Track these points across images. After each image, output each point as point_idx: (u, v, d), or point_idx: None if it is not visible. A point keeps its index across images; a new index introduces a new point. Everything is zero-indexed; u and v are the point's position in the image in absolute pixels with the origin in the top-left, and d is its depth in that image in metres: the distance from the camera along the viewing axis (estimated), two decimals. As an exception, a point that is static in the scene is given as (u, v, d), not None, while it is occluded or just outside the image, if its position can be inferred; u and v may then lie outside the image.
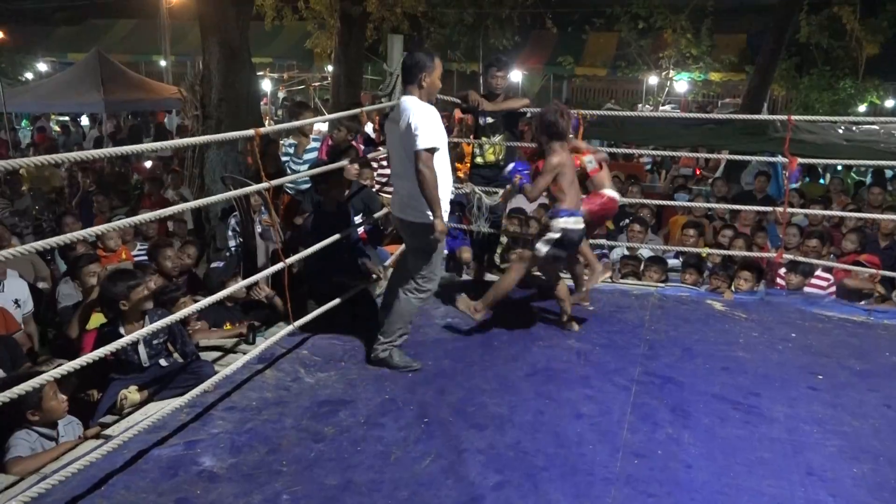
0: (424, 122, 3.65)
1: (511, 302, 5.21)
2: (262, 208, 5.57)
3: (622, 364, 4.11)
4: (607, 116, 7.98)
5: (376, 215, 5.28)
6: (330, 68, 16.56)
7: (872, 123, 10.47)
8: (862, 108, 19.48)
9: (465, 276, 5.83)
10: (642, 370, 4.03)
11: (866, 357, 4.30)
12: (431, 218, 3.74)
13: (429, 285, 3.98)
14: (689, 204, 7.72)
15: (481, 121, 5.59)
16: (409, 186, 3.77)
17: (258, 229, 5.46)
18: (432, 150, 3.66)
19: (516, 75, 21.07)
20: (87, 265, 4.62)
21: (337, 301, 4.50)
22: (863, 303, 5.47)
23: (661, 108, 20.21)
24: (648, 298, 5.20)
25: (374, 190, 5.74)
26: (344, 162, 4.84)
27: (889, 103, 21.80)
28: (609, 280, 5.59)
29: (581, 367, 4.08)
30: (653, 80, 21.10)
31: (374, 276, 4.95)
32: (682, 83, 20.98)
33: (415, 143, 3.64)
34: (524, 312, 4.97)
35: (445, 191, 3.81)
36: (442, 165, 3.75)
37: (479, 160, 5.63)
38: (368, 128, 10.71)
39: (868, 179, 11.06)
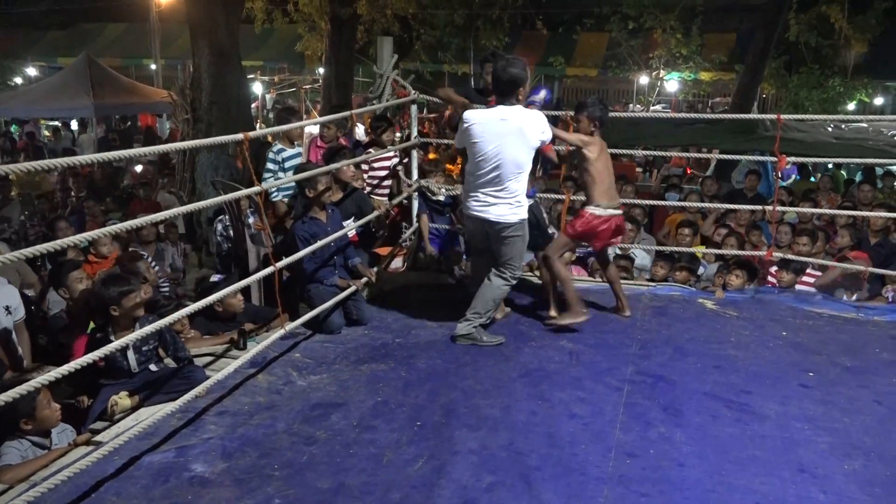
0: (543, 120, 4.16)
1: (507, 299, 5.22)
2: (250, 211, 5.55)
3: (614, 364, 4.12)
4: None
5: (367, 218, 5.27)
6: (321, 71, 16.54)
7: (861, 121, 10.54)
8: (851, 106, 19.57)
9: (458, 273, 5.83)
10: (634, 370, 4.04)
11: (857, 354, 4.33)
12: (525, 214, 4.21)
13: (517, 272, 4.39)
14: (678, 203, 7.74)
15: None
16: (520, 186, 4.14)
17: (249, 233, 5.44)
18: None
19: (507, 76, 21.03)
20: (71, 272, 4.55)
21: (329, 304, 4.49)
22: (854, 298, 5.49)
23: (651, 107, 20.26)
24: (640, 298, 5.21)
25: (364, 192, 5.72)
26: (339, 163, 4.84)
27: (878, 101, 21.94)
28: (600, 280, 5.63)
29: (573, 367, 4.09)
30: (643, 79, 21.15)
31: (366, 279, 4.94)
32: (672, 83, 21.03)
33: (545, 137, 4.16)
34: (516, 313, 4.97)
35: None
36: None
37: None
38: (359, 130, 10.71)
39: (858, 177, 11.11)
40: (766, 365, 4.14)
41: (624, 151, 10.64)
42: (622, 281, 5.66)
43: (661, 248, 6.38)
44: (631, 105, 21.06)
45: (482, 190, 4.18)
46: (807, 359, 4.26)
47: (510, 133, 4.07)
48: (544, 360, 4.16)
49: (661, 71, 20.16)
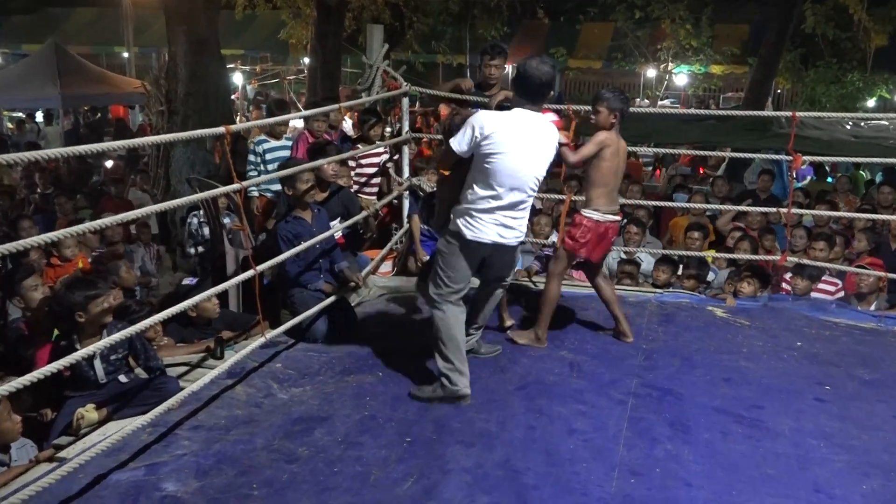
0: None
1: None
2: (228, 210, 5.54)
3: (617, 376, 4.12)
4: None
5: (355, 219, 5.26)
6: (306, 60, 16.54)
7: (882, 119, 10.59)
8: (871, 102, 19.69)
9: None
10: (639, 382, 4.04)
11: (876, 366, 4.35)
12: None
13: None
14: (686, 205, 7.75)
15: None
16: (531, 203, 3.90)
17: (227, 234, 5.43)
18: None
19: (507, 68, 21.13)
20: (24, 279, 4.39)
21: (313, 310, 4.49)
22: (873, 307, 5.52)
23: (659, 102, 20.35)
24: (646, 305, 5.22)
25: (352, 191, 5.72)
26: (321, 161, 4.83)
27: (899, 97, 22.04)
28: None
29: (574, 379, 4.09)
30: (651, 73, 21.25)
31: (353, 284, 4.93)
32: (681, 76, 21.13)
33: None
34: (516, 317, 4.96)
35: None
36: None
37: None
38: (346, 125, 10.71)
39: (879, 178, 11.17)
40: (779, 378, 4.15)
41: (630, 149, 10.74)
42: (627, 287, 5.70)
43: (669, 251, 6.39)
44: (637, 100, 21.12)
45: (501, 213, 3.71)
46: (823, 371, 4.27)
47: (539, 145, 3.73)
48: (543, 372, 4.16)
49: (670, 64, 20.26)
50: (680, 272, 6.16)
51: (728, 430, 3.55)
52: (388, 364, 4.25)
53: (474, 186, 3.71)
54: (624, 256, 6.33)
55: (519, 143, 3.67)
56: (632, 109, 6.88)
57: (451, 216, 3.82)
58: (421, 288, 4.27)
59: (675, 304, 5.25)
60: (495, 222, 3.74)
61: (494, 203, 3.69)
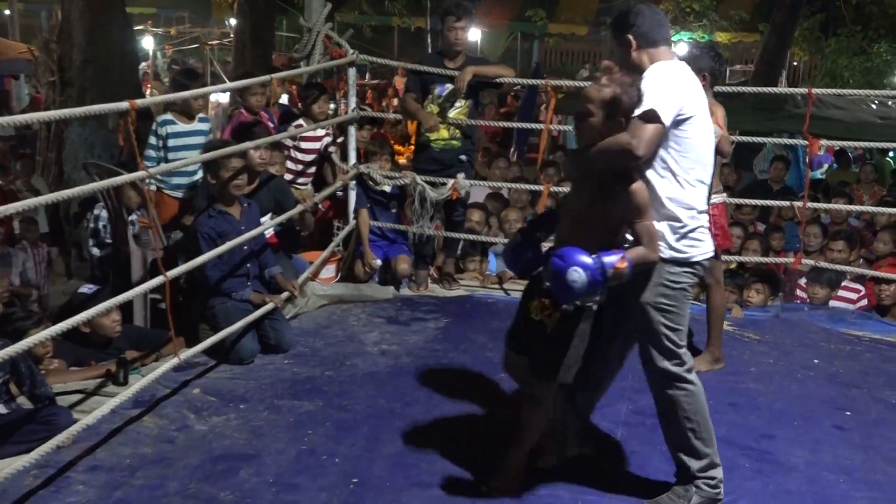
0: None
1: (468, 321, 5.25)
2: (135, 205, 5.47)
3: (606, 401, 4.11)
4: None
5: (289, 213, 5.23)
6: (233, 22, 16.38)
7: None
8: (900, 77, 20.11)
9: (406, 291, 5.84)
10: (631, 408, 4.09)
11: (905, 387, 4.46)
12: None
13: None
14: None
15: (438, 89, 5.62)
16: None
17: (133, 231, 5.37)
18: None
19: (474, 34, 21.20)
20: None
21: (239, 325, 4.46)
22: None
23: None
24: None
25: (285, 180, 5.68)
26: (247, 144, 4.79)
27: (933, 72, 22.61)
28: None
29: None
30: (645, 40, 21.46)
31: (288, 292, 4.91)
32: (681, 45, 21.39)
33: None
34: (485, 334, 5.02)
35: None
36: None
37: (429, 138, 5.65)
38: (283, 100, 10.64)
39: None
40: (793, 402, 4.22)
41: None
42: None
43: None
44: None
45: (704, 217, 3.21)
46: (843, 394, 4.36)
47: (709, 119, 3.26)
48: (512, 393, 4.16)
49: (668, 30, 20.50)
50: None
51: (734, 463, 3.59)
52: (331, 388, 4.24)
53: (684, 182, 3.10)
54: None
55: (707, 116, 3.21)
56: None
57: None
58: (541, 378, 3.24)
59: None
60: (704, 233, 3.20)
61: (704, 203, 3.20)
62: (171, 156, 5.52)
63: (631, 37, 3.17)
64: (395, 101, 12.85)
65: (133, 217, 5.51)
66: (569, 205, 3.26)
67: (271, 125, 5.84)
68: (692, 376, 3.21)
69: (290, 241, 5.75)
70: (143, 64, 16.99)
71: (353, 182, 5.98)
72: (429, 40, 19.29)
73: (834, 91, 9.18)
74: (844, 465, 3.65)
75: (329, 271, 6.00)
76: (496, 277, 6.10)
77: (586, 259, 2.85)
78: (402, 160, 8.84)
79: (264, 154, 5.02)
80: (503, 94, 14.89)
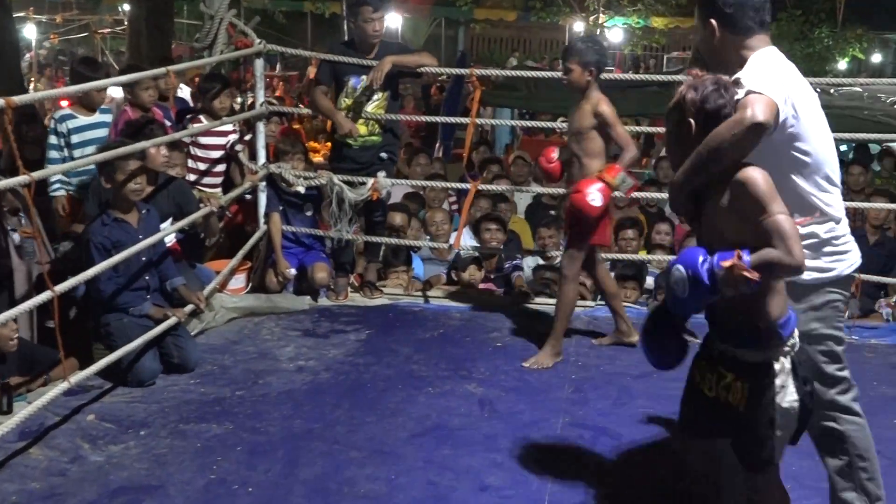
0: None
1: (392, 332, 5.26)
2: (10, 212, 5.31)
3: (541, 414, 4.21)
4: (517, 77, 8.14)
5: (192, 217, 5.16)
6: (126, 9, 16.10)
7: (854, 84, 11.22)
8: (842, 64, 20.86)
9: (325, 301, 5.82)
10: (568, 420, 4.14)
11: (852, 389, 4.60)
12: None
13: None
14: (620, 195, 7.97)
15: (353, 80, 5.60)
16: None
17: (14, 242, 5.22)
18: None
19: (394, 20, 21.22)
20: None
21: (138, 343, 4.39)
22: (846, 315, 5.84)
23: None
24: (574, 322, 5.34)
25: (187, 182, 5.61)
26: (143, 143, 4.71)
27: (875, 58, 23.52)
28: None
29: (486, 420, 4.14)
30: (578, 26, 21.80)
31: (192, 305, 4.84)
32: (615, 31, 21.81)
33: None
34: (410, 346, 5.03)
35: None
36: None
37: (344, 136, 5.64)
38: (184, 94, 10.50)
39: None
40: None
41: (548, 124, 10.94)
42: (548, 301, 5.83)
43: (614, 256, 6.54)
44: (559, 61, 21.65)
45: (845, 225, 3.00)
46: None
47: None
48: (446, 413, 4.20)
49: (601, 16, 20.84)
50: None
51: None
52: (242, 410, 4.20)
53: (819, 186, 2.89)
54: (542, 262, 6.46)
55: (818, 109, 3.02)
56: (547, 74, 7.07)
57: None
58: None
59: (610, 320, 5.40)
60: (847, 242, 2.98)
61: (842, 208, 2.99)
62: (76, 153, 5.45)
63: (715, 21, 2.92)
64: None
65: (14, 231, 5.35)
66: (707, 237, 2.71)
67: (168, 123, 5.77)
68: (858, 407, 3.05)
69: (194, 249, 5.67)
70: (27, 55, 16.57)
71: (263, 183, 5.93)
72: (345, 27, 19.21)
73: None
74: (792, 472, 3.72)
75: (238, 281, 5.93)
76: (421, 284, 6.11)
77: (696, 257, 2.51)
78: (318, 158, 8.81)
79: (164, 152, 4.96)
80: (426, 85, 14.95)
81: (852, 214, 7.28)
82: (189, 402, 4.31)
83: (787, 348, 2.59)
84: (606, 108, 4.64)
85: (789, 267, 2.46)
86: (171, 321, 4.65)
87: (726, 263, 2.43)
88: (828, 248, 2.89)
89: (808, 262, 2.64)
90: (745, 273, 2.39)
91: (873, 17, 20.64)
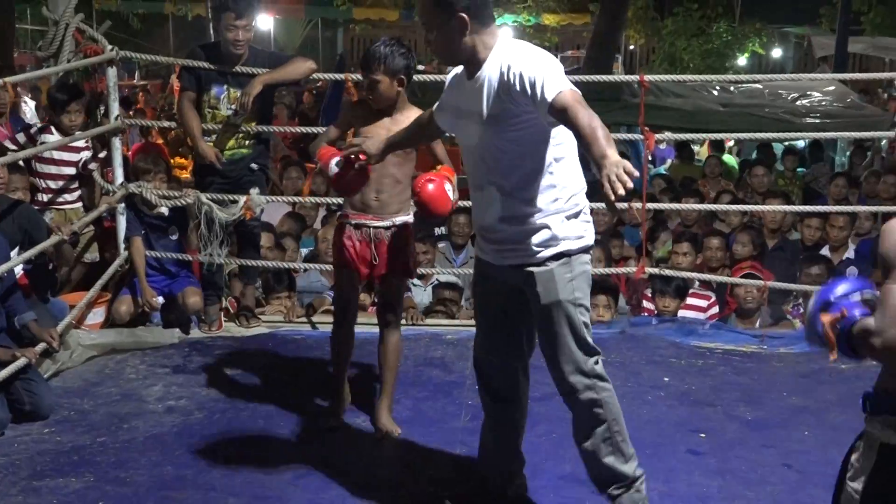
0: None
1: (273, 363, 5.21)
2: None
3: (436, 447, 4.23)
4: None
5: (41, 246, 5.03)
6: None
7: (755, 81, 11.66)
8: (742, 60, 21.64)
9: (196, 333, 5.73)
10: (465, 452, 4.18)
11: (760, 401, 4.79)
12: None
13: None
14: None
15: (216, 89, 5.52)
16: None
17: None
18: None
19: (266, 21, 21.07)
20: None
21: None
22: (756, 325, 6.06)
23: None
24: (468, 344, 5.37)
25: (34, 207, 5.47)
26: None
27: (776, 53, 24.50)
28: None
29: (376, 455, 4.16)
30: (465, 25, 22.04)
31: (45, 343, 4.71)
32: (505, 30, 22.08)
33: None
34: (292, 377, 5.01)
35: None
36: None
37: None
38: (28, 108, 10.21)
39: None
40: (643, 427, 4.42)
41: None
42: (445, 323, 5.86)
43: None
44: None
45: None
46: (697, 414, 4.63)
47: None
48: (334, 451, 4.19)
49: (490, 13, 21.10)
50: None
51: (580, 502, 3.74)
52: (105, 459, 4.11)
53: (565, 166, 3.35)
54: (440, 280, 6.49)
55: None
56: (437, 78, 7.09)
57: (548, 224, 3.33)
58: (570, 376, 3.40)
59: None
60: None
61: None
62: None
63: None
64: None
65: None
66: None
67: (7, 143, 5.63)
68: (605, 375, 3.45)
69: (44, 281, 5.52)
70: None
71: (122, 205, 5.81)
72: (211, 30, 19.01)
73: (666, 77, 9.73)
74: (701, 493, 3.87)
75: (97, 315, 5.80)
76: (303, 309, 6.07)
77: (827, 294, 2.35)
78: (184, 175, 8.65)
79: (3, 174, 4.84)
80: (300, 91, 14.85)
81: (756, 219, 7.55)
82: (43, 453, 4.17)
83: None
84: None
85: (872, 348, 2.19)
86: (20, 363, 4.50)
87: (826, 319, 2.30)
88: (583, 217, 3.39)
89: (574, 230, 3.34)
90: (836, 331, 2.27)
91: (771, 12, 21.51)
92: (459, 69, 3.47)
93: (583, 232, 3.39)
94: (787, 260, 6.92)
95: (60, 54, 5.82)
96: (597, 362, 3.42)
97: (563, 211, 3.32)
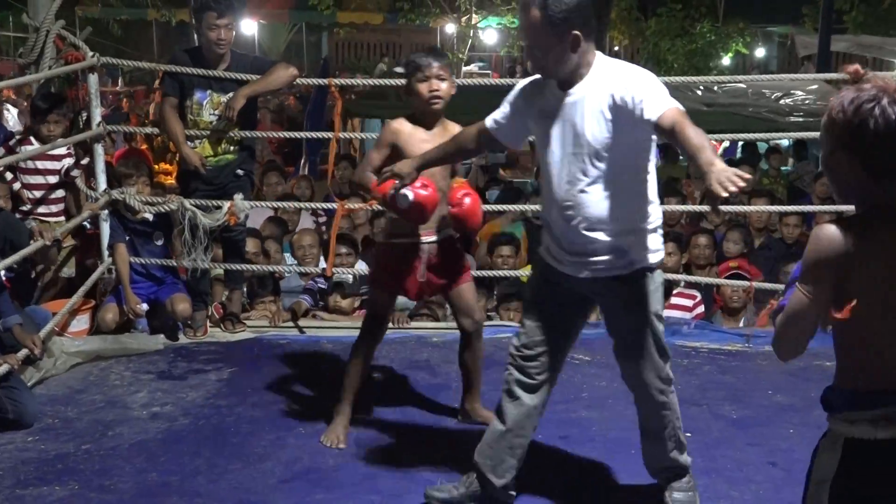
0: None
1: (258, 369, 5.21)
2: None
3: (424, 449, 4.23)
4: (385, 85, 8.12)
5: (23, 252, 5.02)
6: (-59, 21, 15.50)
7: (739, 81, 11.72)
8: (726, 60, 21.74)
9: (184, 339, 5.73)
10: (447, 453, 4.17)
11: (745, 400, 4.80)
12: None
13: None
14: (500, 206, 8.06)
15: (198, 95, 5.52)
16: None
17: None
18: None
19: (249, 26, 21.07)
20: None
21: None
22: (741, 323, 6.09)
23: (463, 68, 21.16)
24: (454, 346, 5.38)
25: (15, 215, 5.46)
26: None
27: (759, 53, 24.63)
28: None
29: (362, 462, 4.15)
30: (450, 28, 22.09)
31: (28, 351, 4.69)
32: (490, 32, 22.16)
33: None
34: (278, 383, 5.00)
35: None
36: None
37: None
38: (10, 115, 10.19)
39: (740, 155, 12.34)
40: (630, 428, 4.38)
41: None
42: (430, 325, 5.87)
43: (479, 273, 6.64)
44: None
45: None
46: (682, 413, 4.50)
47: None
48: (319, 454, 4.18)
49: (474, 16, 21.11)
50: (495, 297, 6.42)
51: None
52: (90, 467, 4.09)
53: (648, 188, 3.44)
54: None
55: None
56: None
57: (638, 237, 3.42)
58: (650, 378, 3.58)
59: (493, 342, 5.46)
60: None
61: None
62: None
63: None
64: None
65: None
66: None
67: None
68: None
69: (27, 287, 5.52)
70: None
71: (106, 212, 5.80)
72: (195, 35, 19.02)
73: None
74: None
75: (81, 322, 5.78)
76: (288, 313, 6.07)
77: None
78: (168, 181, 8.65)
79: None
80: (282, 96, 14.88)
81: (742, 218, 7.59)
82: (27, 461, 4.15)
83: None
84: None
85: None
86: (2, 369, 4.49)
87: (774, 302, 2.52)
88: (660, 233, 3.49)
89: (657, 244, 3.45)
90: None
91: (754, 11, 21.63)
92: (534, 78, 3.50)
93: (661, 245, 3.52)
94: (772, 258, 6.95)
95: (41, 61, 5.81)
96: (669, 367, 3.62)
97: (651, 224, 3.42)
